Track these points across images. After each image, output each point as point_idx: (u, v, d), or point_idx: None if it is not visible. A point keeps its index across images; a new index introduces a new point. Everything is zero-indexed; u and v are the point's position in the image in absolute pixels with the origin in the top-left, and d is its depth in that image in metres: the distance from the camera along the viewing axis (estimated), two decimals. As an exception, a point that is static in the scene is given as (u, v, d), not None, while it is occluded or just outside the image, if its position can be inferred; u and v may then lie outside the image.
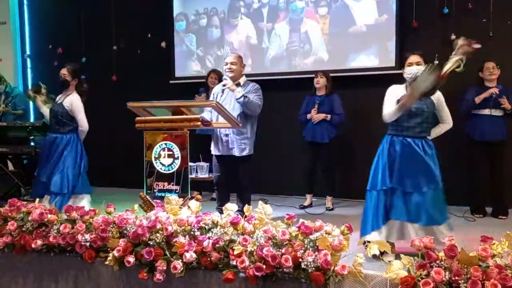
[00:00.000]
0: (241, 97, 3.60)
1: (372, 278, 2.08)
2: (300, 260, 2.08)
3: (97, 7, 6.48)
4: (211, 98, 3.86)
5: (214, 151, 3.79)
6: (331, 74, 5.04)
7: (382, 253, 2.22)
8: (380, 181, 2.87)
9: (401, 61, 4.92)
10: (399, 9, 4.98)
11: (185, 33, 6.00)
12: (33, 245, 2.60)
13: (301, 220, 2.24)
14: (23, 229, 2.67)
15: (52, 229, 2.61)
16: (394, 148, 2.92)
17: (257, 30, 5.59)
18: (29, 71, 7.02)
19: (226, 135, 3.71)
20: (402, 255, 2.10)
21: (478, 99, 4.15)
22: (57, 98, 4.20)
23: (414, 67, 2.92)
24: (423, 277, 1.94)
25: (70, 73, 4.06)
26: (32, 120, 6.34)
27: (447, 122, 3.02)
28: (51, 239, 2.57)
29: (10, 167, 5.51)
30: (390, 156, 2.91)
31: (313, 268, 2.06)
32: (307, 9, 5.34)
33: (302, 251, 2.10)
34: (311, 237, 2.17)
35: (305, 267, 2.07)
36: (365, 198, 2.94)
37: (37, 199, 2.94)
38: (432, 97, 2.91)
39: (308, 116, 4.76)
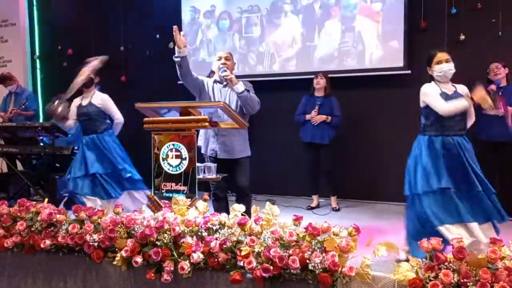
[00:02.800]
0: (243, 91, 3.34)
1: (380, 280, 2.07)
2: (308, 261, 2.07)
3: (106, 8, 6.52)
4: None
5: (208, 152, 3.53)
6: (335, 75, 5.04)
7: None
8: (425, 183, 2.85)
9: (409, 62, 4.93)
10: (407, 9, 4.97)
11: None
12: (42, 245, 2.61)
13: (308, 221, 2.24)
14: (32, 229, 2.68)
15: (61, 229, 2.62)
16: (435, 148, 2.89)
17: (304, 28, 5.43)
18: (38, 72, 7.08)
19: (223, 135, 3.44)
20: (410, 257, 2.09)
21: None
22: (78, 101, 4.20)
23: (445, 65, 2.91)
24: (431, 279, 1.93)
25: (94, 72, 4.12)
26: (41, 120, 6.41)
27: (472, 117, 3.01)
28: (59, 239, 2.59)
29: (19, 167, 5.57)
30: (432, 156, 2.89)
31: (321, 270, 2.05)
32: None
33: (309, 252, 2.09)
34: (319, 238, 2.16)
35: (312, 268, 2.06)
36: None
37: (46, 199, 2.96)
38: (463, 93, 2.92)
39: (308, 117, 4.76)
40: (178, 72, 3.35)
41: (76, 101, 4.23)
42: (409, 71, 4.93)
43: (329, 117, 4.70)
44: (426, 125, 2.99)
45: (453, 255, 1.96)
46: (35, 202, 2.91)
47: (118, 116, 4.22)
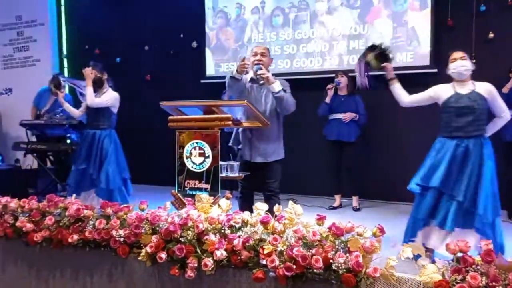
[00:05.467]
0: (279, 91, 3.18)
1: (405, 281, 2.04)
2: (331, 261, 2.06)
3: (131, 8, 6.63)
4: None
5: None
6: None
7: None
8: (421, 177, 2.88)
9: (435, 60, 4.85)
10: (434, 7, 4.88)
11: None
12: (69, 240, 2.67)
13: (331, 221, 2.23)
14: (60, 224, 2.75)
15: (88, 224, 2.68)
16: (444, 149, 2.87)
17: (352, 23, 5.33)
18: (66, 71, 7.25)
19: (250, 137, 3.37)
20: (436, 259, 2.05)
21: (505, 89, 4.06)
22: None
23: (458, 62, 2.87)
24: (458, 281, 1.89)
25: (99, 71, 4.18)
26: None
27: (502, 116, 2.92)
28: (87, 234, 2.64)
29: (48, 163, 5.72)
30: (439, 156, 2.88)
31: (344, 270, 2.04)
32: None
33: (333, 252, 2.08)
34: (342, 238, 2.15)
35: (335, 268, 2.05)
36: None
37: (74, 195, 3.03)
38: (483, 92, 2.85)
39: (338, 116, 4.73)
40: (227, 84, 3.28)
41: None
42: (435, 70, 4.84)
43: (357, 115, 4.69)
44: (440, 126, 3.01)
45: (481, 257, 1.92)
46: (63, 198, 2.99)
47: (116, 111, 4.27)
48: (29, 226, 2.84)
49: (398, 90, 3.16)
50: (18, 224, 2.88)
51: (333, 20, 5.40)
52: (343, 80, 4.77)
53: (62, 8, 7.23)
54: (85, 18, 7.06)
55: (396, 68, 5.14)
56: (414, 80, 4.99)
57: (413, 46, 5.03)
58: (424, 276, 1.96)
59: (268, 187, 3.46)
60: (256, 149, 3.38)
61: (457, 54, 2.92)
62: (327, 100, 4.77)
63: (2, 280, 3.07)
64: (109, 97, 4.17)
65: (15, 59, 7.36)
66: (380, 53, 3.19)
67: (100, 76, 4.18)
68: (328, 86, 4.79)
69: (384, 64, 3.14)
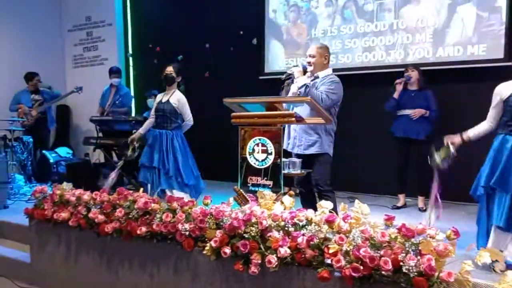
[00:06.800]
0: (302, 86, 3.39)
1: (481, 288, 1.93)
2: (401, 263, 1.98)
3: (192, 6, 6.77)
4: (290, 94, 3.63)
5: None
6: (429, 68, 4.77)
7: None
8: (483, 179, 2.78)
9: (510, 53, 4.52)
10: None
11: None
12: (138, 232, 2.78)
13: (401, 222, 2.14)
14: (130, 216, 2.87)
15: (155, 217, 2.77)
16: (503, 147, 2.74)
17: (435, 9, 5.02)
18: (131, 69, 7.55)
19: (294, 130, 3.54)
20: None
21: None
22: (159, 97, 4.43)
23: None
24: (544, 292, 1.75)
25: (175, 71, 4.32)
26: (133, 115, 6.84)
27: None
28: (154, 226, 2.73)
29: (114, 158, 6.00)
30: (497, 155, 2.77)
31: (415, 273, 1.95)
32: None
33: (403, 254, 2.00)
34: (413, 240, 2.06)
35: (406, 271, 1.97)
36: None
37: (141, 188, 3.15)
38: None
39: (407, 112, 4.54)
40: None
41: (159, 97, 4.46)
42: (510, 63, 4.52)
43: (427, 112, 4.47)
44: (500, 123, 2.90)
45: None
46: (131, 191, 3.11)
47: (189, 118, 4.40)
48: (101, 217, 2.99)
49: (476, 134, 3.04)
50: (90, 215, 3.05)
51: (413, 10, 5.13)
52: (413, 74, 4.56)
53: (128, 9, 7.52)
54: (148, 17, 7.31)
55: (465, 62, 4.92)
56: (486, 74, 4.71)
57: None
58: (504, 284, 1.84)
59: (313, 181, 3.47)
60: (295, 139, 3.50)
61: None
62: (395, 95, 4.58)
63: (75, 268, 3.25)
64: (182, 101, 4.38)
65: (84, 58, 7.78)
66: (439, 151, 3.10)
67: (173, 75, 4.32)
68: (397, 81, 4.60)
69: (451, 151, 3.04)
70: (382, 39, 5.30)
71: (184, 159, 4.29)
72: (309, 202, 3.45)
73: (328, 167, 3.49)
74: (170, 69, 4.31)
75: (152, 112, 4.49)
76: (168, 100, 4.31)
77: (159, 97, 4.46)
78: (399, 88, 4.59)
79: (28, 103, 6.48)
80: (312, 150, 3.45)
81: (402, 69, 4.72)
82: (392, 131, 4.68)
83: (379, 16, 5.31)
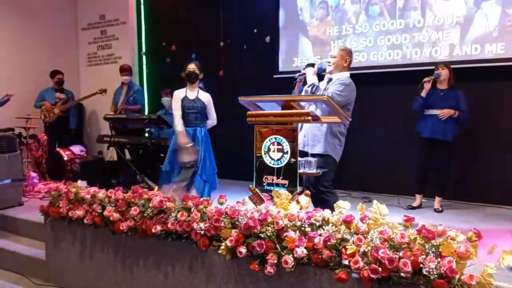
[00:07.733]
0: (310, 85, 3.54)
1: (504, 292, 1.88)
2: (421, 265, 1.94)
3: (207, 5, 6.76)
4: (303, 93, 3.67)
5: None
6: (458, 66, 4.65)
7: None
8: None
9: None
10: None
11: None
12: (153, 230, 2.77)
13: (421, 223, 2.10)
14: (145, 214, 2.86)
15: (170, 216, 2.76)
16: None
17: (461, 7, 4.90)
18: (144, 67, 7.57)
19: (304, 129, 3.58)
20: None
21: None
22: (182, 94, 4.34)
23: None
24: None
25: (199, 69, 4.31)
26: (146, 113, 6.86)
27: None
28: (169, 225, 2.72)
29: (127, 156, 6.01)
30: None
31: (436, 275, 1.91)
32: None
33: (423, 256, 1.96)
34: (433, 242, 2.02)
35: (426, 273, 1.93)
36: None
37: (156, 187, 3.14)
38: None
39: (435, 112, 4.44)
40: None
41: (181, 94, 4.31)
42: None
43: (456, 112, 4.36)
44: None
45: None
46: (146, 189, 3.10)
47: (215, 117, 4.42)
48: (116, 215, 2.99)
49: None
50: (105, 213, 3.05)
51: (441, 6, 5.03)
52: (443, 72, 4.43)
53: (142, 7, 7.54)
54: (162, 16, 7.32)
55: (492, 60, 4.78)
56: (505, 74, 4.62)
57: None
58: (529, 288, 1.79)
59: (311, 180, 3.48)
60: (305, 137, 3.56)
61: None
62: (423, 94, 4.44)
63: (90, 265, 3.26)
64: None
65: (98, 56, 7.82)
66: None
67: (197, 72, 4.30)
68: (425, 79, 4.44)
69: None
70: (406, 36, 5.22)
71: (211, 156, 4.33)
72: (316, 201, 3.45)
73: (330, 168, 3.47)
74: (193, 67, 4.28)
75: (178, 109, 4.28)
76: (197, 97, 4.30)
77: (181, 94, 4.31)
78: (427, 86, 4.44)
79: (52, 101, 6.67)
80: (316, 150, 3.52)
81: (430, 67, 4.62)
82: (418, 131, 4.56)
83: (405, 14, 5.23)
